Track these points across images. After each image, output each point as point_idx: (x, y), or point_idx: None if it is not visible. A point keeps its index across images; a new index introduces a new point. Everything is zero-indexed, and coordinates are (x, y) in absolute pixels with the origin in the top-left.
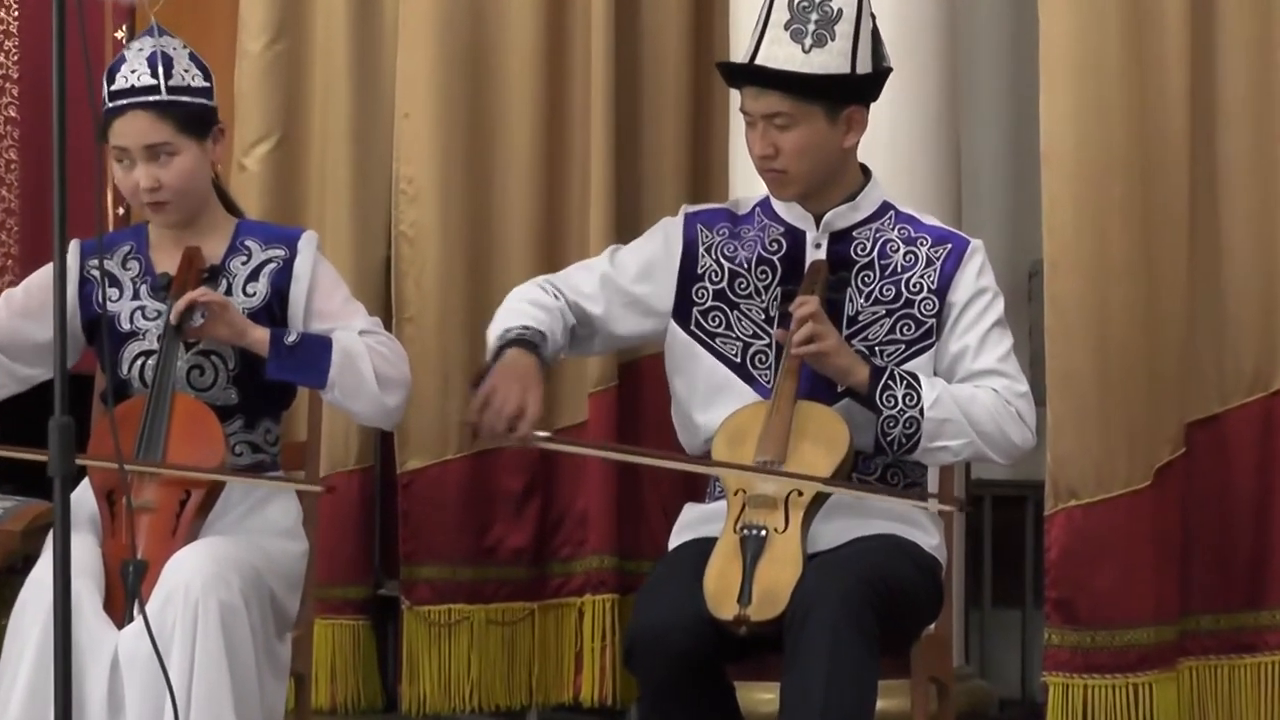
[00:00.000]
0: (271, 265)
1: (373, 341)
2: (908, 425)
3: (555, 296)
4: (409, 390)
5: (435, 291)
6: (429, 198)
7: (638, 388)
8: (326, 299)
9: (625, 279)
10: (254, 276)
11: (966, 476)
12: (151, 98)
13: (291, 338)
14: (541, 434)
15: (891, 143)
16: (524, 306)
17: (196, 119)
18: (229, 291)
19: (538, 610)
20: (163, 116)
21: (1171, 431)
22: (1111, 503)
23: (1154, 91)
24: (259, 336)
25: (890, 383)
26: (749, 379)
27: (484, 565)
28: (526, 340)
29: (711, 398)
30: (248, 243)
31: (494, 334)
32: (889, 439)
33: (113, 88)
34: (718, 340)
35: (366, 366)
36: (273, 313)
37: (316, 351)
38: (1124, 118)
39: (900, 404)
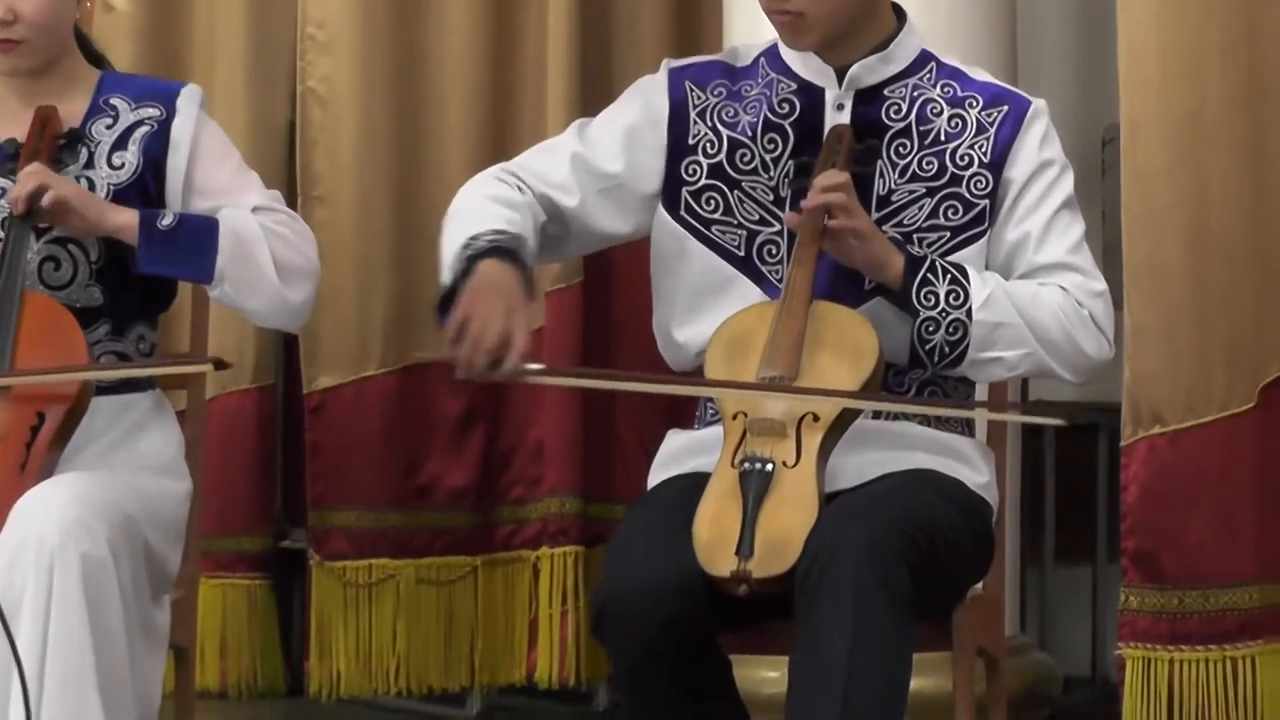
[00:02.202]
0: (144, 129)
1: (270, 221)
2: (952, 329)
3: (520, 189)
4: (318, 282)
5: (352, 164)
6: (345, 45)
7: (606, 285)
8: (212, 170)
9: (600, 158)
10: (122, 143)
11: (1023, 398)
12: None
13: (167, 220)
14: (533, 366)
15: None
16: (488, 206)
17: None
18: (90, 162)
19: (481, 566)
20: None
21: None
22: (1206, 430)
23: None
24: (124, 221)
25: (931, 276)
26: (756, 276)
27: (414, 510)
28: (502, 248)
29: (706, 302)
30: (114, 101)
31: (455, 243)
32: (928, 347)
33: None
34: (714, 229)
35: (263, 252)
36: (145, 189)
37: (199, 236)
38: None
39: (943, 303)
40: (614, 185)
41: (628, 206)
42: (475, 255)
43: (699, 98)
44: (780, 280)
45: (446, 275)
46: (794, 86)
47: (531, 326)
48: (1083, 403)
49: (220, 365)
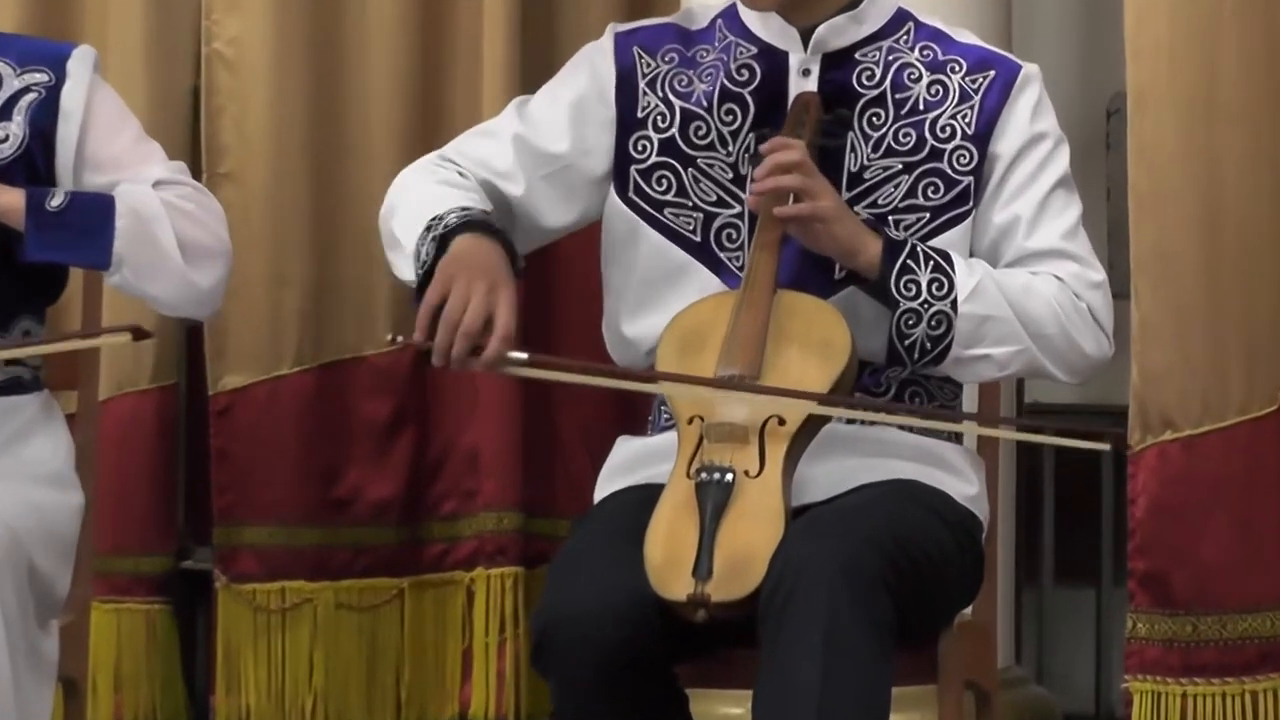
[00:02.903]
0: (30, 96)
1: (173, 196)
2: (934, 323)
3: (462, 175)
4: (229, 264)
5: (263, 137)
6: (256, 2)
7: (549, 275)
8: (108, 141)
9: (544, 138)
10: (5, 113)
11: (1019, 399)
12: None
13: (57, 200)
14: (517, 355)
15: None
16: (439, 189)
17: None
18: None
19: (409, 589)
20: None
21: None
22: (1222, 436)
23: None
24: (8, 203)
25: (912, 263)
26: (713, 264)
27: (333, 526)
28: (476, 222)
29: (658, 294)
30: None
31: (414, 231)
32: (908, 342)
33: None
34: (667, 212)
35: (165, 231)
36: (33, 164)
37: (93, 217)
38: None
39: (925, 293)
40: (560, 168)
41: (575, 192)
42: (447, 234)
43: (648, 65)
44: (741, 268)
45: (413, 267)
46: (754, 51)
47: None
48: (1084, 405)
49: (140, 334)
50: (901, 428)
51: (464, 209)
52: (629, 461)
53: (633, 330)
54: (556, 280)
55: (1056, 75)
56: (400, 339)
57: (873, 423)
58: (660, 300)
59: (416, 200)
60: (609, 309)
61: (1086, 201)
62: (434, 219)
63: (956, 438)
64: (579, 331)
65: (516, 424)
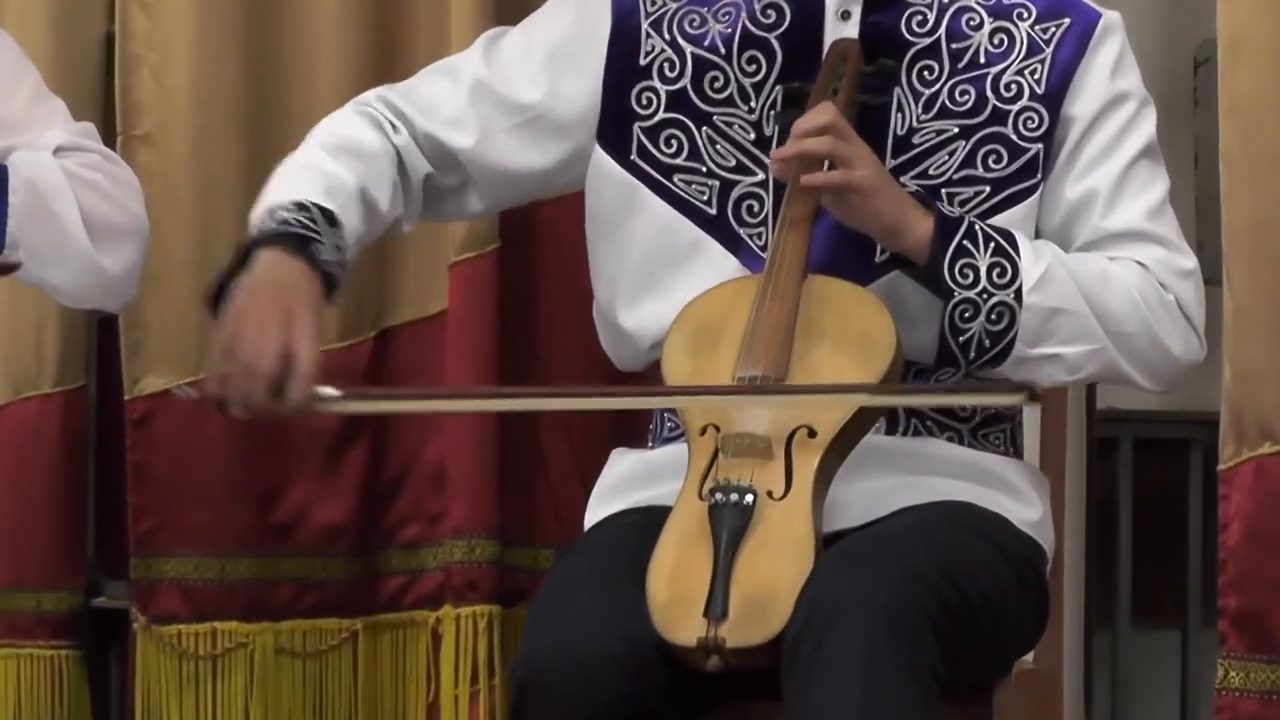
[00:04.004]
0: None
1: (77, 165)
2: (995, 317)
3: (393, 127)
4: (145, 243)
5: (188, 93)
6: None
7: (529, 253)
8: (3, 96)
9: (512, 85)
10: None
11: (1089, 404)
12: None
13: None
14: (329, 391)
15: None
16: (319, 159)
17: None
18: None
19: (363, 632)
20: None
21: None
22: None
23: None
24: None
25: (969, 244)
26: (730, 241)
27: (273, 556)
28: (293, 235)
29: (663, 275)
30: None
31: (259, 211)
32: (963, 339)
33: None
34: (676, 178)
35: (68, 206)
36: None
37: None
38: None
39: (984, 280)
40: (530, 119)
41: (547, 141)
42: (261, 240)
43: (653, 3)
44: (764, 247)
45: (229, 261)
46: None
47: (421, 312)
48: (1168, 413)
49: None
50: (951, 439)
51: (300, 207)
52: (626, 479)
53: (632, 320)
54: (539, 266)
55: (1134, 20)
56: (193, 392)
57: (917, 433)
58: (666, 283)
59: (292, 165)
60: (600, 294)
61: (1171, 169)
62: (272, 208)
63: (1015, 452)
64: (564, 325)
65: (491, 435)
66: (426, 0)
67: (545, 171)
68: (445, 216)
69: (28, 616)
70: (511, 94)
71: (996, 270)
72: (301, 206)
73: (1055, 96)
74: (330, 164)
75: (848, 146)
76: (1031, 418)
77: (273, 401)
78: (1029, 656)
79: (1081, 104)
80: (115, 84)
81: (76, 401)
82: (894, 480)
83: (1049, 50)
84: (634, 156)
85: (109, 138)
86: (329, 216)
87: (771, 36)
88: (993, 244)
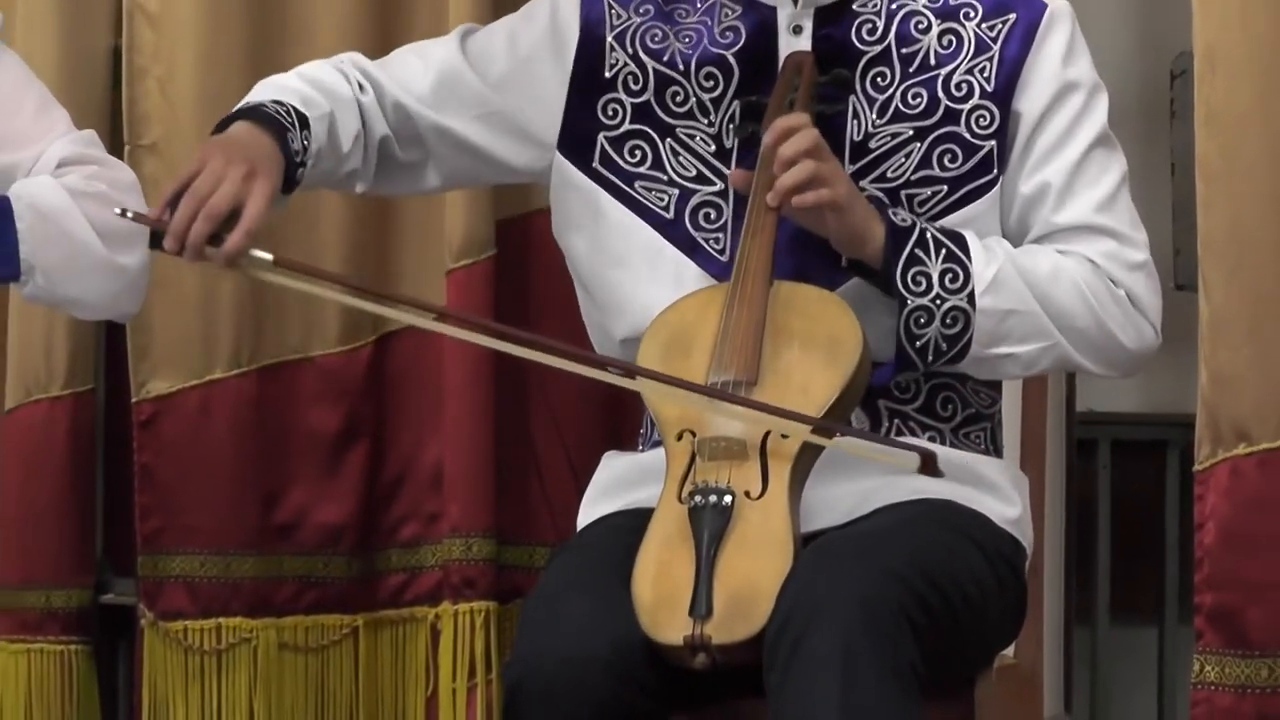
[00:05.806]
0: None
1: (78, 180)
2: (949, 321)
3: (360, 88)
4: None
5: (192, 103)
6: None
7: (525, 261)
8: (9, 112)
9: (480, 77)
10: None
11: (1068, 408)
12: None
13: None
14: (262, 255)
15: None
16: (293, 81)
17: None
18: None
19: (364, 628)
20: None
21: None
22: None
23: None
24: None
25: (920, 252)
26: (687, 244)
27: (276, 554)
28: (267, 116)
29: (622, 277)
30: None
31: (240, 103)
32: (920, 343)
33: None
34: (637, 185)
35: (78, 223)
36: None
37: None
38: None
39: (936, 287)
40: (492, 111)
41: (506, 136)
42: (239, 115)
43: (618, 16)
44: (720, 251)
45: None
46: (739, 7)
47: None
48: (1145, 415)
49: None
50: (931, 437)
51: (278, 103)
52: (617, 481)
53: (624, 328)
54: (536, 274)
55: (1112, 31)
56: (130, 213)
57: (898, 429)
58: (626, 284)
59: (266, 84)
60: (583, 306)
61: (1148, 178)
62: (248, 106)
63: (995, 450)
64: (562, 334)
65: (488, 436)
66: (427, 14)
67: (503, 160)
68: (399, 187)
69: (38, 613)
70: (478, 85)
71: (949, 276)
72: (279, 104)
73: (1004, 94)
74: (307, 89)
75: (827, 166)
76: (1012, 419)
77: (208, 244)
78: (1009, 651)
79: (1030, 99)
80: (121, 95)
81: (85, 404)
82: (872, 480)
83: (996, 48)
84: (596, 164)
85: (115, 148)
86: (302, 120)
87: (729, 54)
88: (944, 250)
